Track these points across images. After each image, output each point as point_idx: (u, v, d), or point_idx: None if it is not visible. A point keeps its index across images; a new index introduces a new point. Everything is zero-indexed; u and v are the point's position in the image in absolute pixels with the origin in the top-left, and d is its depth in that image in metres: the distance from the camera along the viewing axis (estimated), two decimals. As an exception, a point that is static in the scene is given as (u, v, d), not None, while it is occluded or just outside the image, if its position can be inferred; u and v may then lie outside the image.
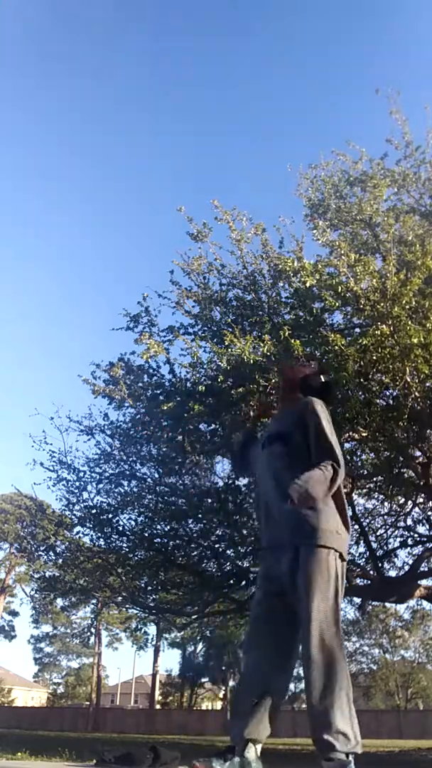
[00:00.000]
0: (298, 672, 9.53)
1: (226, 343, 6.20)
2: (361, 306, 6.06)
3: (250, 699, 2.39)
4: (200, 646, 37.75)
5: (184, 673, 39.38)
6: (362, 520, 10.15)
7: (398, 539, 11.08)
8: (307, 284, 6.37)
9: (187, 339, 7.11)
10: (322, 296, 6.37)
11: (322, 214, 8.33)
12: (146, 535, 9.63)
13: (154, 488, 9.40)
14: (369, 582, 9.96)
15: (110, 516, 9.42)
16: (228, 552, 9.98)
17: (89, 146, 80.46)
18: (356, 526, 9.31)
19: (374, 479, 9.07)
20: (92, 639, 38.88)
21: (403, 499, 10.24)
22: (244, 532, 9.33)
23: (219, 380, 6.38)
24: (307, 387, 2.80)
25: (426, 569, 10.04)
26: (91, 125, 78.67)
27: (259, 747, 2.37)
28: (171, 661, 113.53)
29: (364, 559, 10.47)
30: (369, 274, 6.12)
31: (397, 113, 8.58)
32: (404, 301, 5.82)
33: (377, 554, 10.33)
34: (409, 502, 10.31)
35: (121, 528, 9.61)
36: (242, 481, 9.35)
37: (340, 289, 6.05)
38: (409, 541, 10.87)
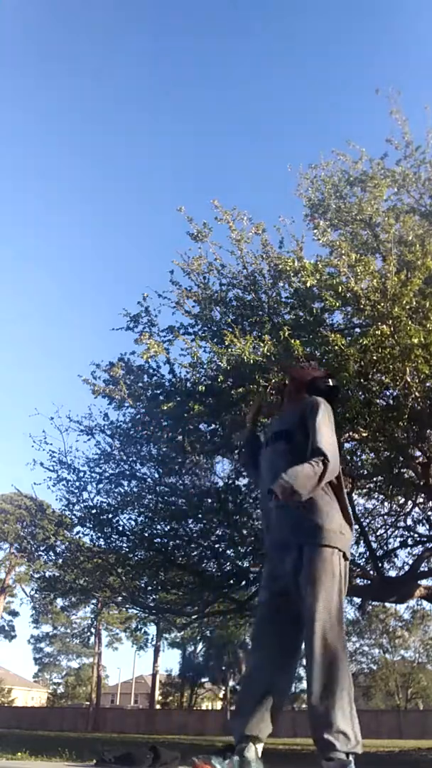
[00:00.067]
0: (298, 672, 9.52)
1: (226, 343, 6.20)
2: (362, 306, 6.06)
3: (252, 697, 2.40)
4: (200, 646, 37.76)
5: (184, 673, 39.37)
6: (362, 520, 10.15)
7: (398, 539, 11.10)
8: (308, 284, 6.37)
9: (187, 339, 7.11)
10: (322, 296, 6.37)
11: (322, 214, 8.32)
12: (146, 535, 9.63)
13: (154, 488, 9.41)
14: (369, 582, 9.96)
15: (110, 516, 9.42)
16: (228, 552, 9.98)
17: (89, 146, 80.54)
18: (356, 526, 9.32)
19: (374, 479, 9.07)
20: (92, 639, 38.92)
21: (403, 499, 10.24)
22: (244, 532, 9.34)
23: (219, 380, 6.38)
24: (315, 389, 2.81)
25: (426, 569, 10.04)
26: (91, 125, 78.74)
27: (260, 747, 2.38)
28: (171, 661, 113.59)
29: (364, 559, 10.48)
30: (369, 274, 6.12)
31: (397, 113, 8.58)
32: (404, 301, 5.82)
33: (377, 554, 10.34)
34: (409, 502, 10.31)
35: (121, 528, 9.62)
36: (242, 481, 9.37)
37: (340, 289, 6.04)
38: (409, 541, 10.88)
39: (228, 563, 10.21)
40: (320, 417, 2.57)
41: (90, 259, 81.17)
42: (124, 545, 9.86)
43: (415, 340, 5.73)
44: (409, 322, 5.83)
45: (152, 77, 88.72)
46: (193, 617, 12.35)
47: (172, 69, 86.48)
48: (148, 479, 9.33)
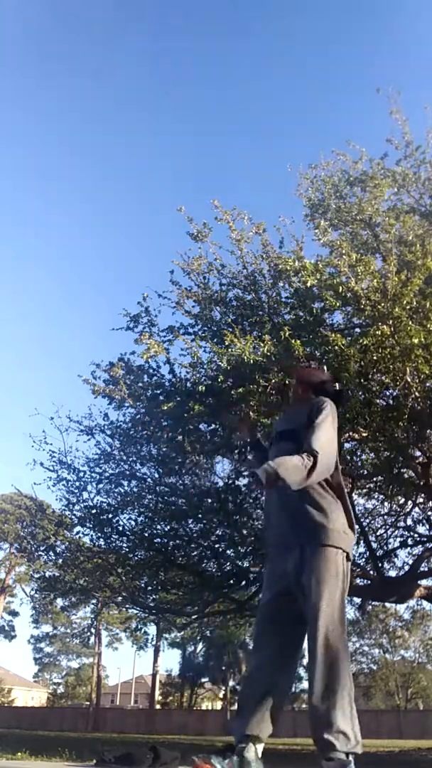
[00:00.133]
0: (298, 672, 9.52)
1: (226, 343, 6.20)
2: (362, 306, 6.06)
3: (253, 697, 2.40)
4: (200, 646, 37.80)
5: (184, 673, 39.38)
6: (362, 520, 10.15)
7: (398, 539, 11.11)
8: (308, 284, 6.37)
9: (187, 339, 7.11)
10: (322, 296, 6.37)
11: (322, 214, 8.33)
12: (146, 535, 9.64)
13: (154, 488, 9.41)
14: (369, 582, 9.96)
15: (110, 516, 9.42)
16: (228, 552, 9.98)
17: (89, 146, 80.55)
18: (356, 526, 9.31)
19: (374, 479, 9.07)
20: (92, 639, 38.93)
21: (403, 499, 10.24)
22: (244, 532, 9.33)
23: (219, 380, 6.37)
24: (323, 392, 2.82)
25: (426, 569, 10.04)
26: (91, 125, 78.77)
27: (260, 747, 2.38)
28: (171, 661, 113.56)
29: (364, 559, 10.48)
30: (369, 274, 6.12)
31: (397, 113, 8.59)
32: (405, 302, 5.82)
33: (377, 554, 10.34)
34: (409, 502, 10.31)
35: (121, 528, 9.62)
36: (242, 481, 9.37)
37: (340, 289, 6.04)
38: (409, 541, 10.88)
39: (228, 563, 10.21)
40: (322, 417, 2.57)
41: (90, 259, 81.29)
42: (124, 545, 9.87)
43: (416, 340, 5.73)
44: (410, 322, 5.83)
45: (152, 77, 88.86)
46: (193, 617, 12.35)
47: (172, 69, 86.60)
48: (148, 479, 9.34)
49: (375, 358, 6.10)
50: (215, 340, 6.85)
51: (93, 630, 37.48)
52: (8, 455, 61.67)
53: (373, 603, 17.49)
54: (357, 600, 11.61)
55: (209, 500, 9.16)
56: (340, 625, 2.34)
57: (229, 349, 6.18)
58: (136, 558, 10.14)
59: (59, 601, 21.05)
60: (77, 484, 9.27)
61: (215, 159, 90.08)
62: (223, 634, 30.21)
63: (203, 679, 39.28)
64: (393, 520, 11.02)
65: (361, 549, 10.27)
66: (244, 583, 10.14)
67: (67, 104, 78.70)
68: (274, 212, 16.18)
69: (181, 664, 39.32)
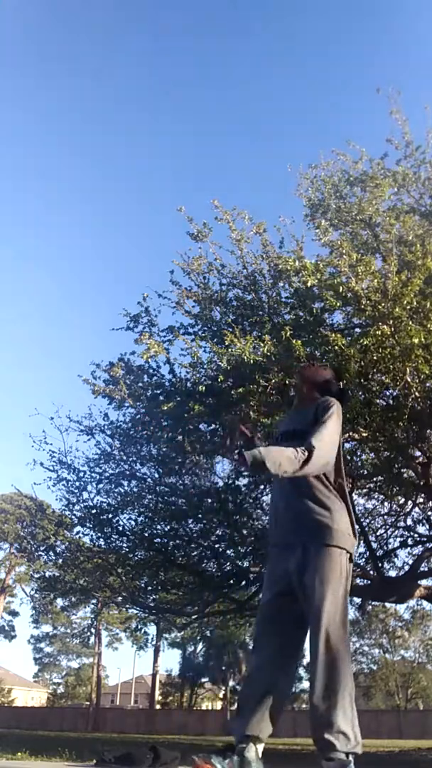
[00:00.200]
0: (298, 672, 9.53)
1: (226, 343, 6.21)
2: (362, 306, 6.06)
3: (253, 698, 2.40)
4: (200, 646, 37.80)
5: (184, 673, 39.39)
6: (362, 520, 10.15)
7: (398, 539, 11.11)
8: (308, 284, 6.37)
9: (187, 339, 7.12)
10: (322, 296, 6.37)
11: (322, 214, 8.33)
12: (146, 535, 9.64)
13: (154, 488, 9.41)
14: (369, 582, 9.96)
15: (110, 516, 9.43)
16: (228, 552, 9.98)
17: (89, 146, 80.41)
18: (357, 527, 9.31)
19: (374, 479, 9.07)
20: (92, 639, 38.92)
21: (403, 499, 10.24)
22: (244, 532, 9.33)
23: (219, 380, 6.38)
24: (327, 391, 2.82)
25: (426, 569, 10.04)
26: (91, 125, 78.63)
27: (260, 747, 2.37)
28: (171, 661, 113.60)
29: (364, 559, 10.48)
30: (370, 274, 6.12)
31: (397, 113, 8.59)
32: (405, 302, 5.82)
33: (377, 554, 10.34)
34: (409, 502, 10.31)
35: (121, 528, 9.62)
36: (242, 481, 9.37)
37: (340, 289, 6.05)
38: (409, 541, 10.88)
39: (228, 563, 10.21)
40: (327, 416, 2.58)
41: (90, 259, 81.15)
42: (124, 545, 9.87)
43: (416, 340, 5.73)
44: (410, 322, 5.84)
45: (152, 77, 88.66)
46: (193, 617, 12.34)
47: (172, 69, 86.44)
48: (148, 479, 9.34)
49: (375, 358, 6.10)
50: (215, 340, 6.86)
51: (93, 630, 37.49)
52: (8, 455, 61.71)
53: (373, 603, 17.48)
54: (357, 600, 11.61)
55: (209, 500, 9.16)
56: (342, 625, 2.33)
57: (229, 349, 6.18)
58: (136, 558, 10.15)
59: (59, 601, 21.03)
60: (77, 484, 9.28)
61: (215, 159, 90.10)
62: (223, 634, 30.20)
63: (203, 679, 39.29)
64: (393, 520, 11.03)
65: (361, 549, 10.25)
66: (244, 583, 10.14)
67: (67, 104, 78.68)
68: (274, 212, 16.21)
69: (181, 664, 39.38)
